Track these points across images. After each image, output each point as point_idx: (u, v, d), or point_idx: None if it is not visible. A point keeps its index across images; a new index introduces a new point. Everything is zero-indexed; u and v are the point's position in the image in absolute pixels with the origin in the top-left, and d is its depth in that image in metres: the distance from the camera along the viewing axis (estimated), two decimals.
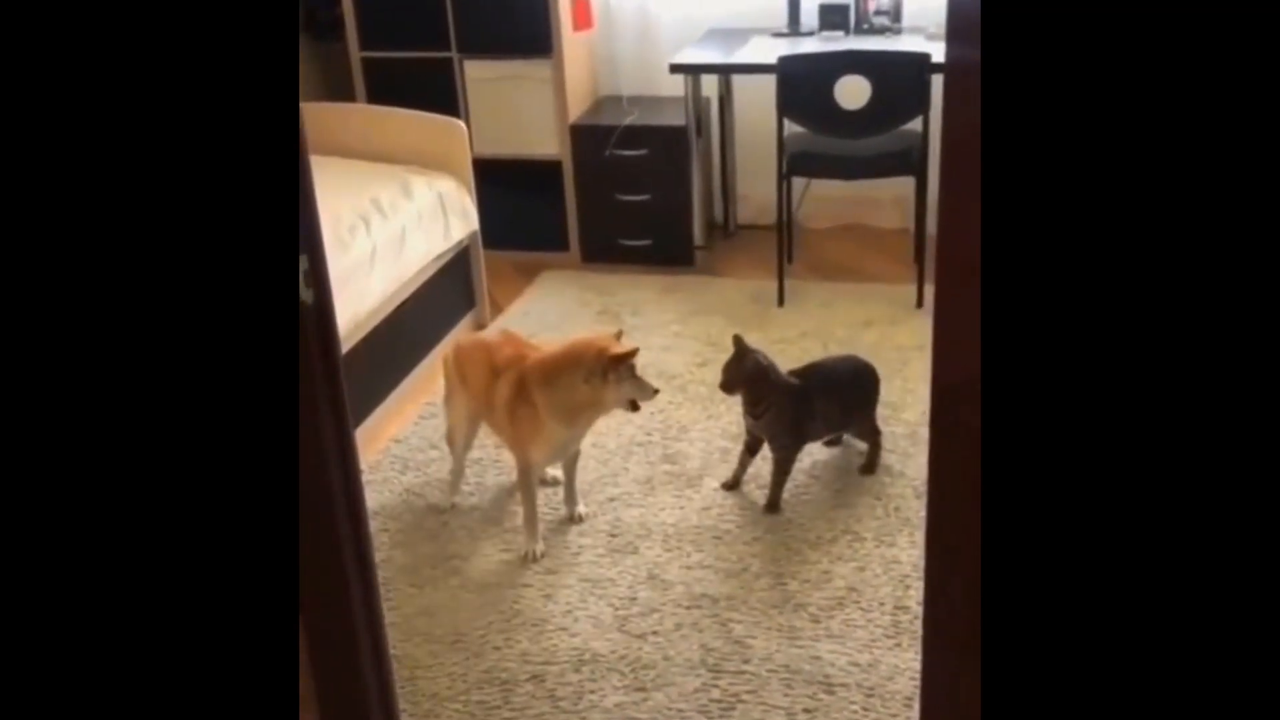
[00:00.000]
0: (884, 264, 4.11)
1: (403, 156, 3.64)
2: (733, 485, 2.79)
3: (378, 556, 1.74)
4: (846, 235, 4.41)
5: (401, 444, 3.08)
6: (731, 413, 3.09)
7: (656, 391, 2.53)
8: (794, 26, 4.10)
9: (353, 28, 4.13)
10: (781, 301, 3.78)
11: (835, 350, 3.44)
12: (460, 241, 3.67)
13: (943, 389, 1.28)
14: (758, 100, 3.99)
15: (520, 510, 2.67)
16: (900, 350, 3.40)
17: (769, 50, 3.76)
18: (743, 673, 2.21)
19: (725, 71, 4.08)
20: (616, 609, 2.41)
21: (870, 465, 2.84)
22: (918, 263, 3.80)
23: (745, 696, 2.15)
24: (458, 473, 2.83)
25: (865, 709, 2.11)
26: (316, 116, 3.63)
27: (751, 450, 2.79)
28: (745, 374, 2.67)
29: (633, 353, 2.48)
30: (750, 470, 2.81)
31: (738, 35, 4.11)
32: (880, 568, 2.48)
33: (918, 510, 2.63)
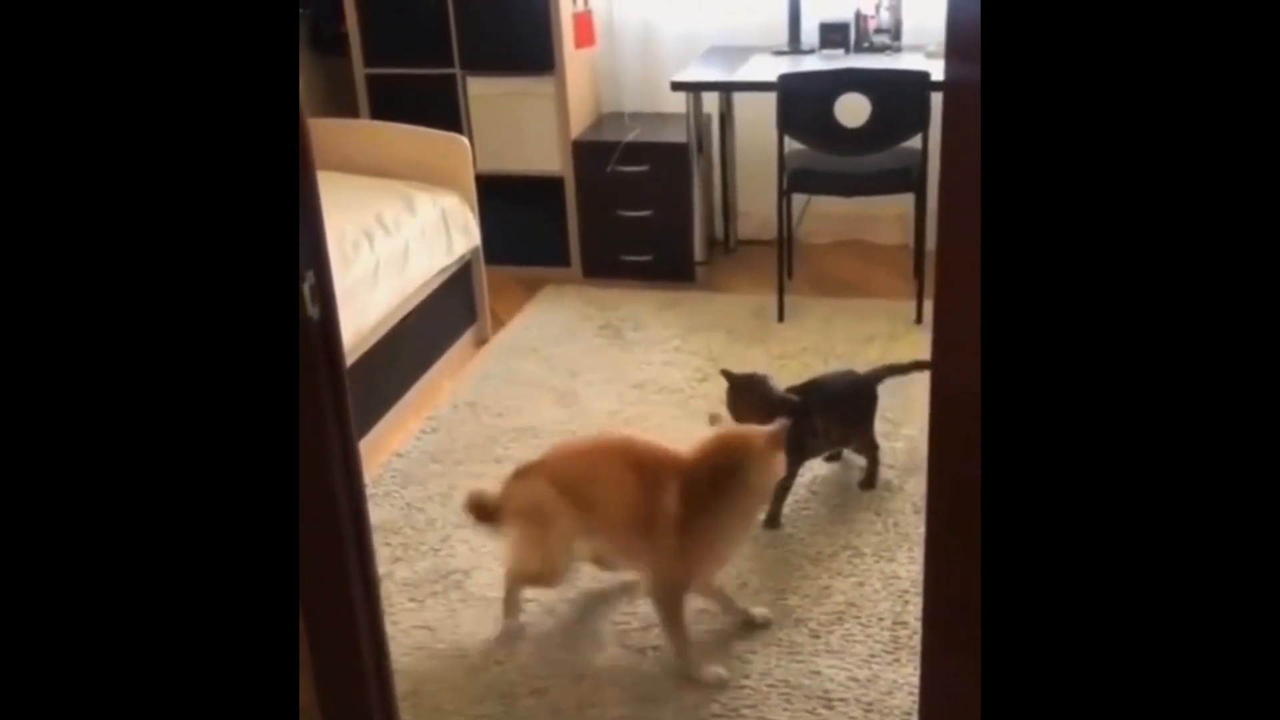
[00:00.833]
0: (884, 280, 4.13)
1: (406, 172, 3.66)
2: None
3: (379, 571, 1.75)
4: (847, 251, 4.42)
5: (403, 458, 3.09)
6: None
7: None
8: (794, 45, 4.13)
9: (357, 44, 4.15)
10: (782, 317, 3.80)
11: (835, 365, 3.45)
12: (462, 256, 3.68)
13: (942, 404, 1.29)
14: (758, 117, 4.01)
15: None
16: None
17: (770, 68, 3.79)
18: (742, 687, 2.21)
19: (726, 89, 4.10)
20: (617, 624, 2.41)
21: (870, 480, 2.85)
22: (917, 278, 3.82)
23: (745, 711, 2.16)
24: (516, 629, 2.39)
25: None
26: (321, 132, 3.65)
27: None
28: (754, 399, 2.65)
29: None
30: None
31: (739, 53, 4.14)
32: (879, 583, 2.49)
33: (917, 526, 2.63)
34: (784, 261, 3.82)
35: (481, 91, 4.14)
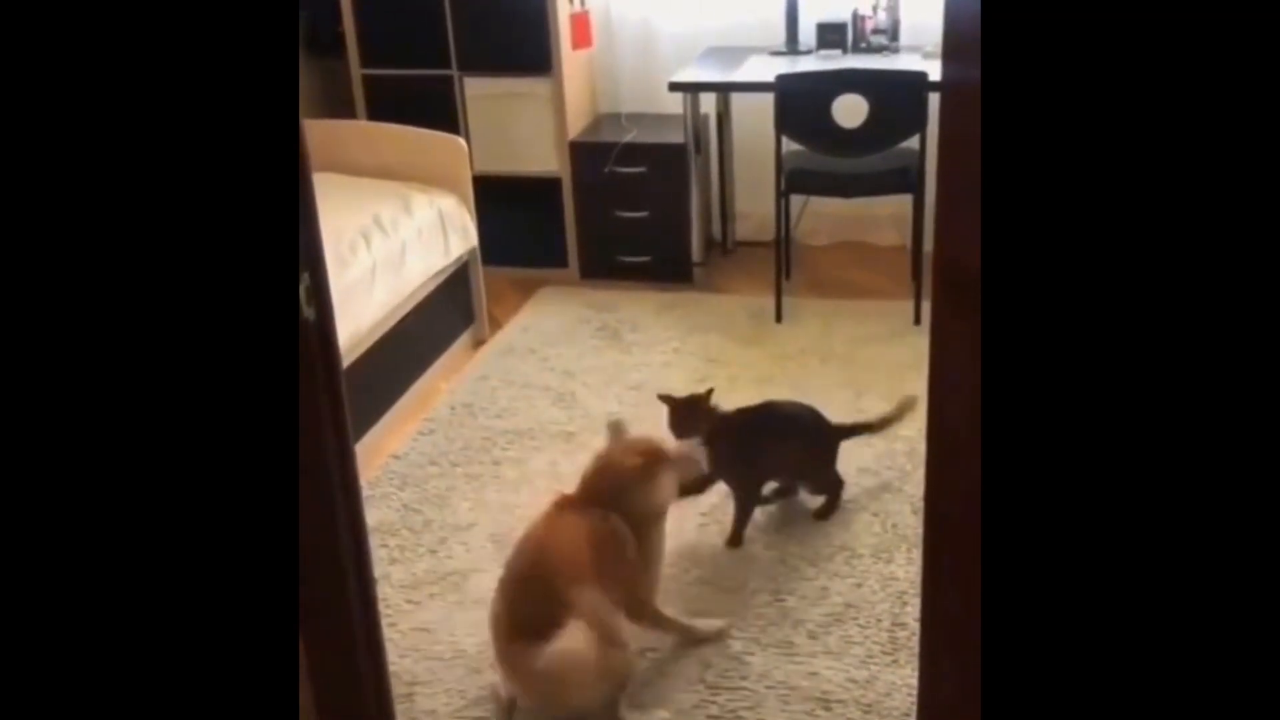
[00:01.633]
0: (882, 281, 4.13)
1: (403, 173, 3.66)
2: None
3: (376, 573, 1.75)
4: (845, 252, 4.42)
5: (401, 460, 3.08)
6: None
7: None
8: (792, 45, 4.13)
9: (354, 45, 4.15)
10: (780, 318, 3.79)
11: (834, 366, 3.45)
12: (460, 258, 3.68)
13: (941, 406, 1.29)
14: (756, 118, 4.01)
15: None
16: (898, 367, 3.41)
17: (767, 69, 3.79)
18: (740, 689, 2.21)
19: (724, 90, 4.10)
20: None
21: (825, 511, 2.75)
22: (915, 279, 3.82)
23: (743, 713, 2.15)
24: None
25: None
26: (317, 133, 3.65)
27: (697, 489, 2.69)
28: (695, 420, 2.59)
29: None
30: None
31: (736, 54, 4.14)
32: (878, 584, 2.49)
33: (915, 527, 2.63)
34: (782, 262, 3.82)
35: (478, 92, 4.13)
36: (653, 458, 2.23)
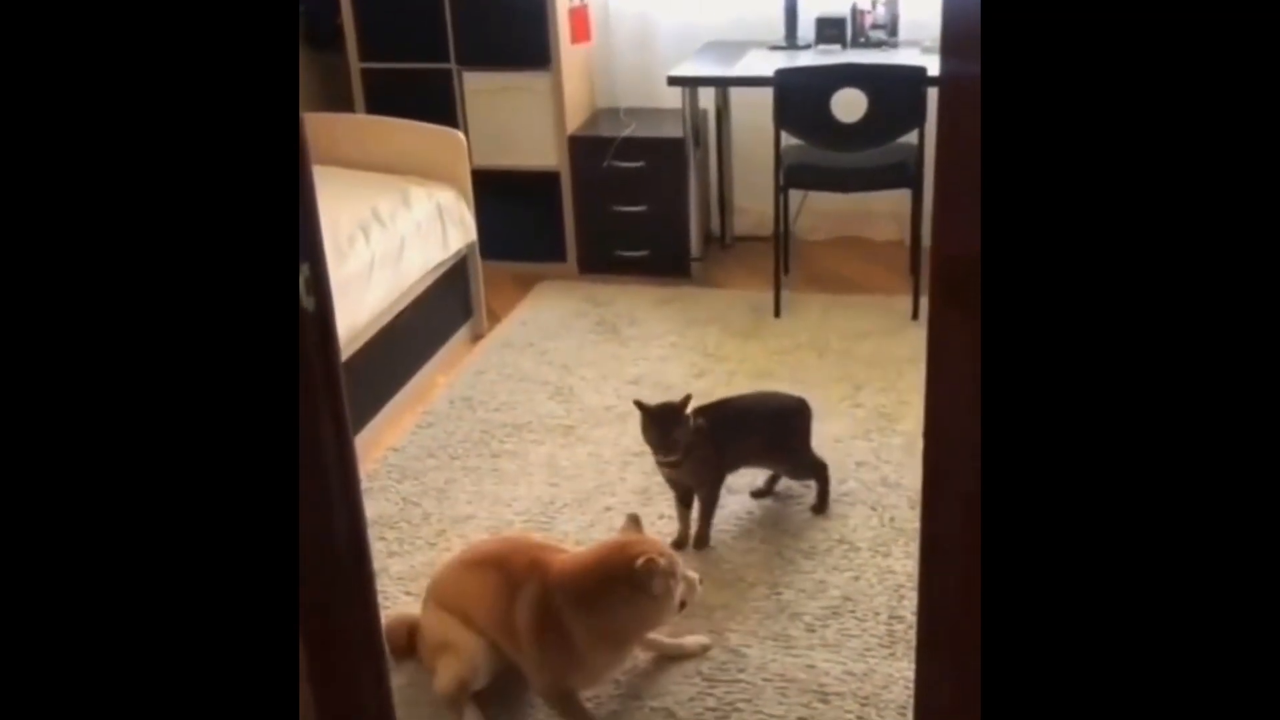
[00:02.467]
0: (880, 276, 4.13)
1: (402, 167, 3.66)
2: (681, 544, 2.62)
3: (375, 565, 1.75)
4: (843, 247, 4.43)
5: (399, 453, 3.09)
6: None
7: (701, 581, 2.19)
8: (791, 40, 4.13)
9: (352, 39, 4.15)
10: (778, 313, 3.80)
11: (832, 360, 3.46)
12: (458, 251, 3.68)
13: (939, 400, 1.29)
14: (755, 113, 4.01)
15: None
16: (896, 361, 3.42)
17: (766, 63, 3.79)
18: (738, 681, 2.22)
19: (723, 84, 4.10)
20: None
21: (820, 504, 2.73)
22: (913, 275, 3.82)
23: (740, 705, 2.16)
24: None
25: (860, 718, 2.12)
26: (316, 126, 3.64)
27: (685, 502, 2.64)
28: (667, 431, 2.52)
29: (674, 550, 2.15)
30: (734, 480, 2.82)
31: (735, 48, 4.14)
32: (875, 577, 2.49)
33: (912, 520, 2.64)
34: (780, 257, 3.82)
35: (477, 86, 4.13)
36: (653, 575, 2.01)
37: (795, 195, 4.12)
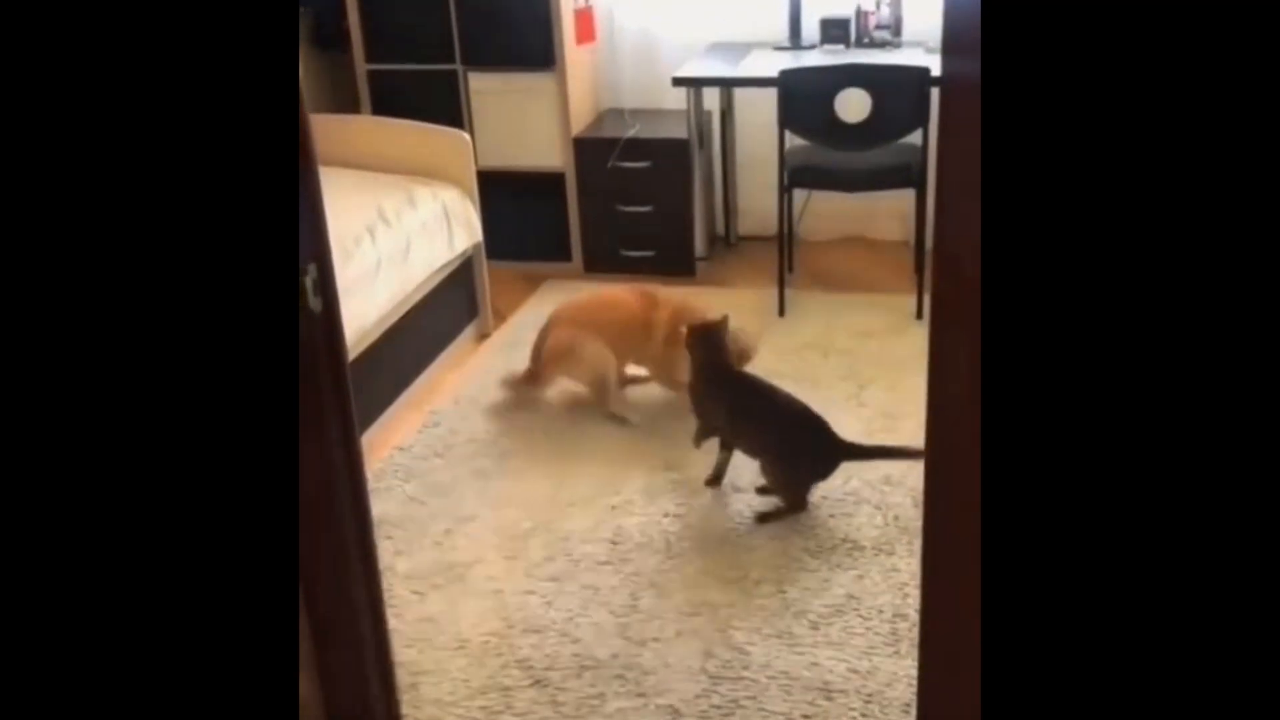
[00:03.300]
0: (884, 276, 4.14)
1: (407, 167, 3.67)
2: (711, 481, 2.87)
3: (381, 564, 1.76)
4: (847, 247, 4.43)
5: (405, 452, 3.10)
6: None
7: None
8: (795, 40, 4.14)
9: (358, 40, 4.16)
10: (782, 312, 3.81)
11: (836, 359, 3.46)
12: (464, 252, 3.69)
13: (941, 399, 1.30)
14: (759, 113, 4.02)
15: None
16: (900, 360, 3.43)
17: (770, 64, 3.80)
18: (742, 679, 2.23)
19: (727, 85, 4.11)
20: (618, 616, 2.42)
21: (764, 517, 2.71)
22: (917, 274, 3.83)
23: (745, 702, 2.17)
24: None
25: (864, 715, 2.12)
26: (322, 128, 3.66)
27: (725, 446, 2.86)
28: (711, 345, 2.84)
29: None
30: (740, 477, 2.83)
31: (739, 49, 4.14)
32: (879, 576, 2.50)
33: (916, 519, 2.65)
34: (785, 257, 3.83)
35: (483, 87, 4.15)
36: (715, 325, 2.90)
37: (799, 195, 4.13)
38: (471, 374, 3.54)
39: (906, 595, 2.43)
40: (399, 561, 2.63)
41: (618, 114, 4.35)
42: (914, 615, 2.34)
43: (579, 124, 4.17)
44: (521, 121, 4.15)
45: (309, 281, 1.46)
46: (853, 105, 3.51)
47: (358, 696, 1.76)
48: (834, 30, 4.05)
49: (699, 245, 4.17)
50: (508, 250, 4.16)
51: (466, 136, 3.74)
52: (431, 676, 2.28)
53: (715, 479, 2.86)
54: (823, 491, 2.81)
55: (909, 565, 2.51)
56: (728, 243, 4.50)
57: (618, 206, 4.13)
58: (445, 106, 4.11)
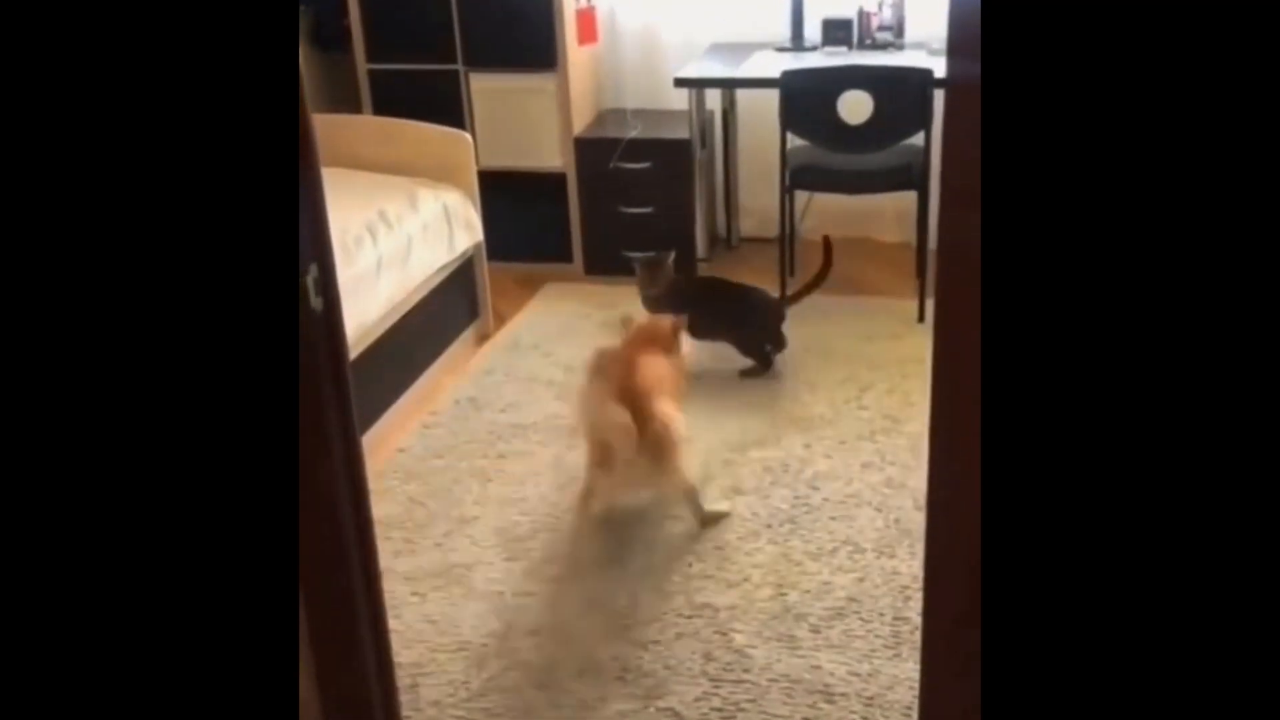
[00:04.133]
0: (886, 278, 4.13)
1: (408, 168, 3.67)
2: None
3: (381, 565, 1.76)
4: (849, 249, 4.41)
5: (406, 453, 3.10)
6: (734, 422, 3.11)
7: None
8: (797, 42, 4.13)
9: (360, 40, 4.16)
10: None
11: (837, 362, 3.46)
12: (465, 252, 3.69)
13: (943, 402, 1.30)
14: (761, 114, 4.02)
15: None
16: (902, 363, 3.42)
17: (773, 65, 3.79)
18: (743, 682, 2.22)
19: (729, 85, 4.10)
20: (619, 618, 2.42)
21: (750, 370, 3.38)
22: (919, 277, 3.82)
23: (745, 705, 2.16)
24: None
25: (865, 718, 2.12)
26: (323, 128, 3.62)
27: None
28: (658, 277, 3.40)
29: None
30: (741, 480, 2.82)
31: (741, 50, 4.14)
32: (880, 579, 2.50)
33: (918, 522, 2.64)
34: (786, 258, 3.83)
35: (484, 87, 4.14)
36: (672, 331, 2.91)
37: (801, 197, 4.12)
38: (472, 375, 3.54)
39: (908, 598, 2.42)
40: (399, 562, 2.63)
41: (619, 114, 4.34)
42: (915, 618, 2.33)
43: (580, 124, 4.16)
44: (523, 122, 4.14)
45: (310, 282, 1.45)
46: (855, 107, 3.51)
47: (356, 698, 1.75)
48: (836, 31, 4.04)
49: (700, 246, 4.16)
50: (509, 251, 4.15)
51: (467, 137, 3.74)
52: (431, 677, 2.27)
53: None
54: (824, 494, 2.81)
55: (910, 568, 2.51)
56: (729, 244, 4.50)
57: (619, 207, 4.13)
58: (446, 107, 4.10)
